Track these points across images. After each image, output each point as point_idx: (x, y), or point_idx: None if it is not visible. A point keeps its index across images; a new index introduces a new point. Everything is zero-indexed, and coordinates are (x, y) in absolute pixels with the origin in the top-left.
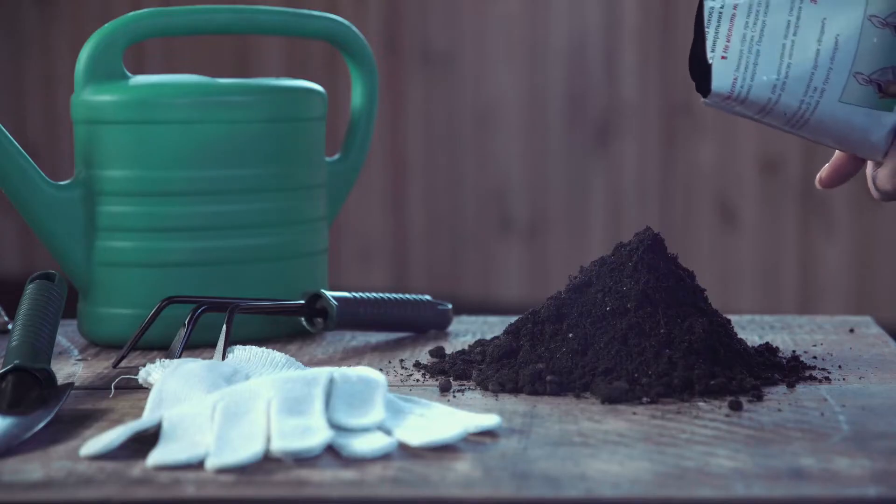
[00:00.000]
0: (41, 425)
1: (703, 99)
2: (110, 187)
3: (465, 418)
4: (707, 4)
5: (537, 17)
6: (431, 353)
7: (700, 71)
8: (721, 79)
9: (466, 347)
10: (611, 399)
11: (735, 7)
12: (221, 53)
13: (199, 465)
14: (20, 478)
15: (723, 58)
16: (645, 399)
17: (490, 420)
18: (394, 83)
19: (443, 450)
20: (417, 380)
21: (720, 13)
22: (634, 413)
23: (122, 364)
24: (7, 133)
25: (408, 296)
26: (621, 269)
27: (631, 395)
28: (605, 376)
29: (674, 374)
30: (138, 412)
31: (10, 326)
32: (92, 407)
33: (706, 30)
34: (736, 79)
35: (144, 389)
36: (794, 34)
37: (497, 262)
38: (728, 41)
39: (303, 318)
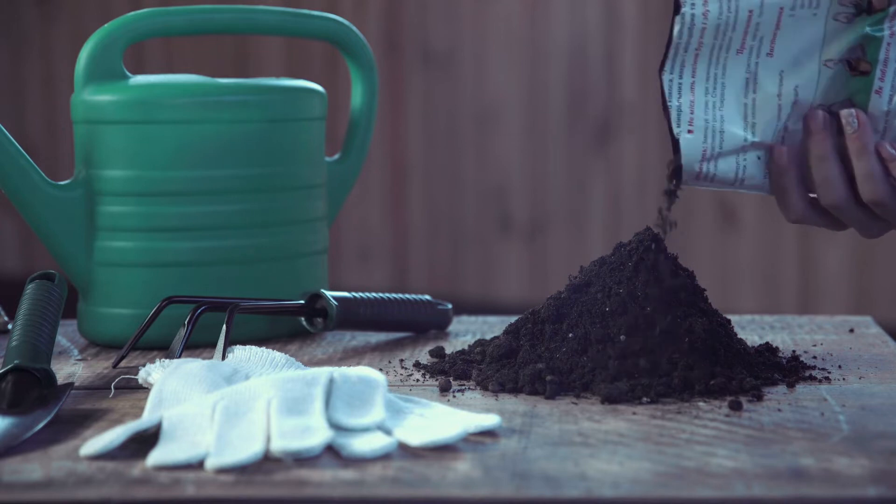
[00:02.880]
0: (41, 425)
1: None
2: (110, 187)
3: (465, 418)
4: (665, 78)
5: (537, 17)
6: (431, 353)
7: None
8: (691, 150)
9: (466, 347)
10: (611, 399)
11: (694, 74)
12: (221, 53)
13: (199, 465)
14: (20, 478)
15: (689, 132)
16: (645, 399)
17: (490, 420)
18: (394, 83)
19: (443, 450)
20: (417, 380)
21: (680, 84)
22: (634, 413)
23: (122, 364)
24: (7, 133)
25: (408, 296)
26: (621, 269)
27: (631, 395)
28: (604, 376)
29: (674, 374)
30: (138, 412)
31: (10, 326)
32: (92, 407)
33: (668, 104)
34: (706, 149)
35: (144, 389)
36: (755, 91)
37: (497, 262)
38: (692, 113)
39: (303, 318)
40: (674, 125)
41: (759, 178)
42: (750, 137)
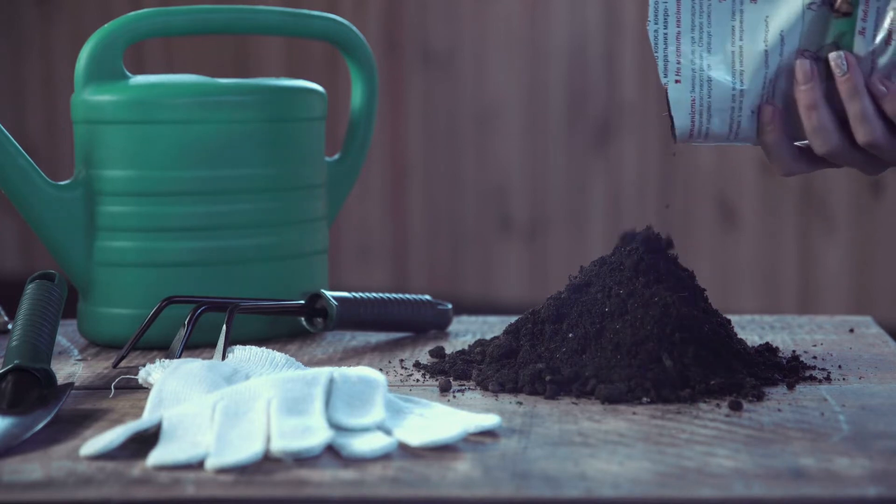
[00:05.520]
0: (41, 425)
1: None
2: (110, 187)
3: (465, 418)
4: (650, 28)
5: (537, 17)
6: (431, 353)
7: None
8: (679, 100)
9: (466, 347)
10: (611, 399)
11: (679, 24)
12: (221, 53)
13: (199, 465)
14: (20, 478)
15: (676, 81)
16: (645, 399)
17: (490, 420)
18: (394, 83)
19: (443, 450)
20: (417, 380)
21: (665, 34)
22: (634, 413)
23: (122, 364)
24: (7, 133)
25: (408, 296)
26: (621, 269)
27: (631, 395)
28: (604, 376)
29: (674, 373)
30: (138, 412)
31: (10, 326)
32: (92, 407)
33: (655, 55)
34: (694, 98)
35: (144, 389)
36: (741, 38)
37: (497, 262)
38: (678, 62)
39: (303, 318)
40: (661, 75)
41: (752, 131)
42: (738, 86)
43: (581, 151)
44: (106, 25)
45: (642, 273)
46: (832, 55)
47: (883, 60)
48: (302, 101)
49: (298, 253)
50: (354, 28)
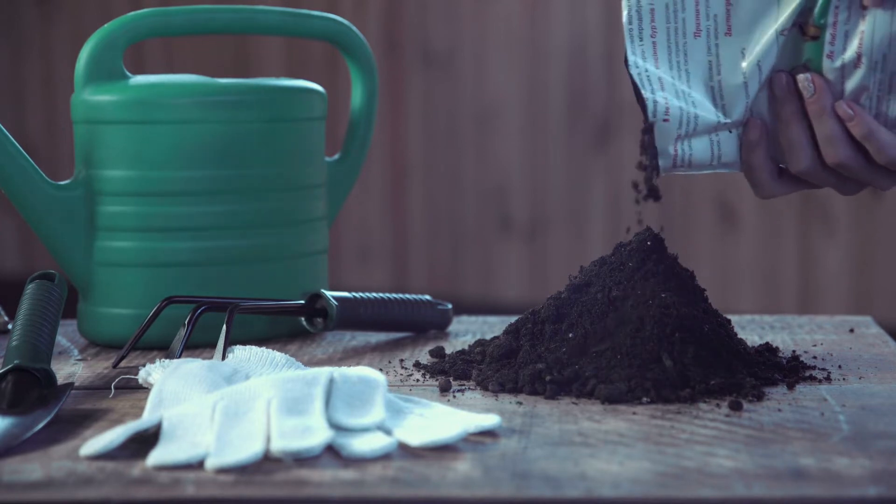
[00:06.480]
0: (41, 425)
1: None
2: (110, 187)
3: (465, 418)
4: (633, 71)
5: (537, 17)
6: (431, 353)
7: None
8: (666, 138)
9: (466, 347)
10: (611, 399)
11: (657, 64)
12: (221, 53)
13: (199, 465)
14: (20, 478)
15: (665, 121)
16: (645, 399)
17: (490, 420)
18: (394, 83)
19: (443, 450)
20: (417, 380)
21: (648, 75)
22: (634, 413)
23: (122, 364)
24: (7, 133)
25: (408, 296)
26: (621, 269)
27: (631, 395)
28: (604, 376)
29: (674, 373)
30: (138, 412)
31: (10, 326)
32: (92, 407)
33: (644, 96)
34: (679, 135)
35: (144, 389)
36: (719, 73)
37: (497, 262)
38: (667, 101)
39: (303, 318)
40: (650, 115)
41: (734, 154)
42: (723, 119)
43: (581, 151)
44: (106, 25)
45: (642, 273)
46: (800, 77)
47: (851, 84)
48: (302, 101)
49: (298, 253)
50: (354, 28)
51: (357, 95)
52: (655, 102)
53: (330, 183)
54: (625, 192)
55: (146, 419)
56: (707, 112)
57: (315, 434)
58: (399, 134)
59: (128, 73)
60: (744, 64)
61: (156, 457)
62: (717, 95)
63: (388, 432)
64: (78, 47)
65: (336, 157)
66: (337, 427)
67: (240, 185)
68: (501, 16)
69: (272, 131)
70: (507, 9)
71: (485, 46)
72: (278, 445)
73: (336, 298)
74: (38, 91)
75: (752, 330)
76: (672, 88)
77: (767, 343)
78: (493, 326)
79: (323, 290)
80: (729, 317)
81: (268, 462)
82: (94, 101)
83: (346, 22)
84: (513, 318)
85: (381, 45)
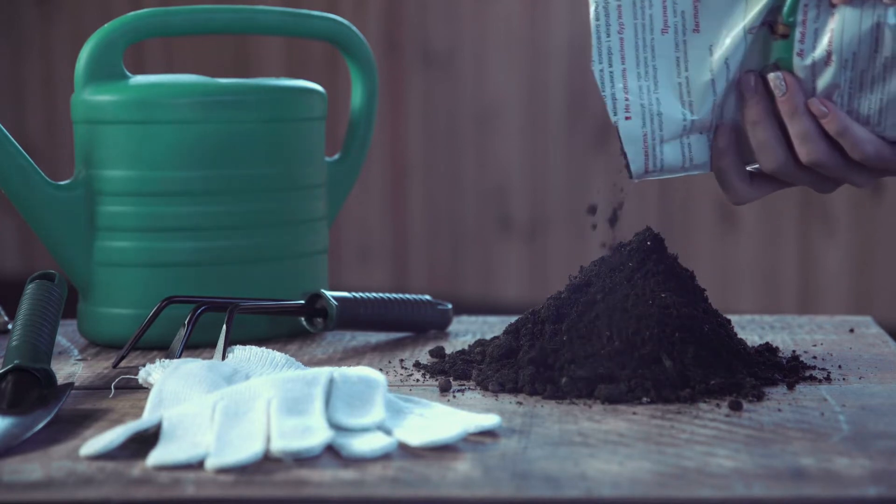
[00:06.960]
0: (41, 425)
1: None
2: (110, 187)
3: (465, 418)
4: (595, 68)
5: (537, 17)
6: (431, 353)
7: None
8: (631, 137)
9: (466, 347)
10: (611, 399)
11: (623, 60)
12: (221, 53)
13: (199, 465)
14: (20, 478)
15: (627, 118)
16: (645, 399)
17: (490, 420)
18: (394, 83)
19: (443, 450)
20: (417, 380)
21: (611, 72)
22: (634, 413)
23: (122, 364)
24: (7, 133)
25: (408, 296)
26: (621, 270)
27: (631, 395)
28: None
29: (674, 373)
30: (138, 412)
31: (10, 326)
32: (92, 407)
33: (602, 94)
34: (646, 133)
35: (144, 389)
36: (687, 69)
37: (497, 262)
38: (627, 99)
39: (303, 318)
40: (610, 113)
41: (705, 155)
42: (689, 116)
43: (581, 151)
44: (106, 25)
45: (642, 273)
46: (771, 76)
47: (822, 82)
48: (302, 101)
49: (298, 253)
50: (354, 28)
51: (357, 95)
52: (615, 99)
53: (330, 183)
54: (625, 193)
55: (146, 419)
56: (672, 109)
57: (315, 434)
58: (399, 134)
59: (128, 73)
60: (711, 60)
61: (156, 457)
62: (683, 92)
63: (388, 432)
64: (78, 47)
65: (336, 157)
66: (337, 427)
67: (240, 185)
68: (501, 16)
69: (272, 131)
70: (507, 9)
71: (485, 46)
72: (278, 445)
73: (336, 298)
74: (38, 91)
75: (752, 330)
76: (636, 85)
77: (767, 343)
78: (493, 326)
79: (323, 290)
80: (729, 317)
81: (268, 462)
82: (94, 101)
83: (346, 22)
84: (513, 318)
85: (381, 45)
